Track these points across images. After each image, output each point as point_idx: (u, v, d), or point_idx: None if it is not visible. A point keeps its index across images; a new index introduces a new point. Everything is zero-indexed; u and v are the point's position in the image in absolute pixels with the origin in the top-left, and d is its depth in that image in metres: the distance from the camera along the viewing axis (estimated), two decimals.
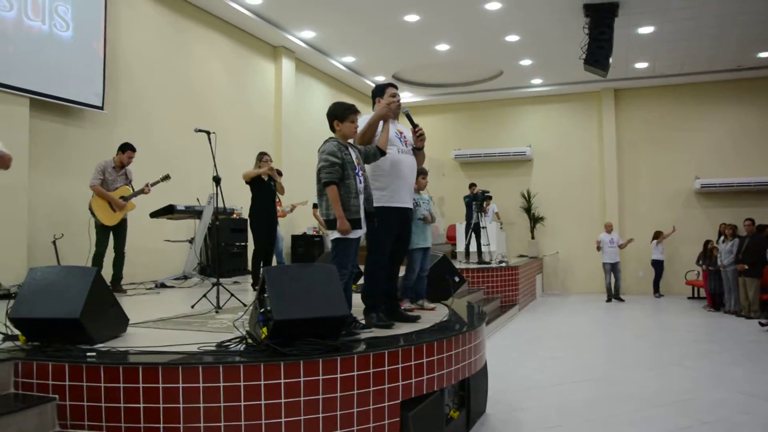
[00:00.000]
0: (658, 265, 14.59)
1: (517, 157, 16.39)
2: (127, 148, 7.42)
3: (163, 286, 8.06)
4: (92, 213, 7.16)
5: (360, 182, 4.30)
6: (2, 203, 6.86)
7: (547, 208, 16.27)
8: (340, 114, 4.37)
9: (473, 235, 12.52)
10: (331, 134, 4.48)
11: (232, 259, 9.81)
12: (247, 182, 7.80)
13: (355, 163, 4.30)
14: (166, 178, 7.80)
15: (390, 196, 4.64)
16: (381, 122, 4.64)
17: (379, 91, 4.87)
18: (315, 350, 3.42)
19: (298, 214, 11.48)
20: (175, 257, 9.16)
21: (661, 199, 15.34)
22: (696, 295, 14.26)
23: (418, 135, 4.86)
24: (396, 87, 4.92)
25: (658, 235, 14.55)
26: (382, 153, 4.55)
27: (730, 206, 14.46)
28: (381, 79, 14.91)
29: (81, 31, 7.88)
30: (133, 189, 7.51)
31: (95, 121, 8.22)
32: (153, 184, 7.63)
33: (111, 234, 7.34)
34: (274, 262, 9.27)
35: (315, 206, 11.38)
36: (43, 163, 7.52)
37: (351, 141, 4.48)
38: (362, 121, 4.59)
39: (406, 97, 15.93)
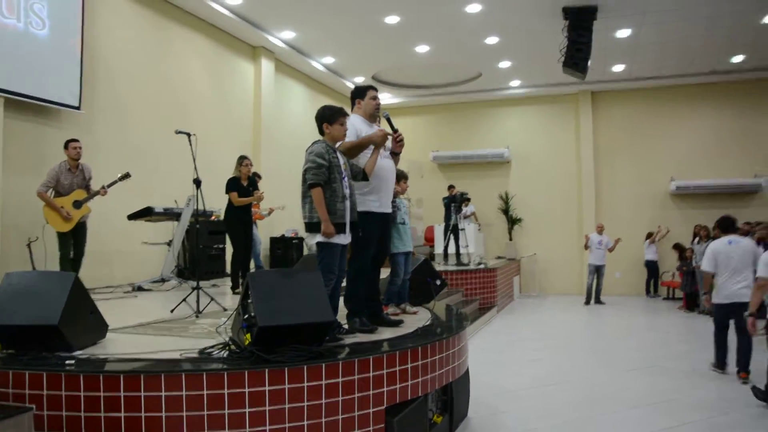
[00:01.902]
0: (651, 266, 14.76)
1: (495, 159, 16.46)
2: (69, 142, 7.19)
3: (140, 289, 7.94)
4: (46, 219, 7.02)
5: (346, 188, 4.25)
6: None
7: (524, 210, 16.36)
8: (329, 117, 4.33)
9: (452, 236, 12.54)
10: (319, 137, 4.44)
11: (210, 261, 9.72)
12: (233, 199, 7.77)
13: (342, 168, 4.26)
14: (126, 176, 7.56)
15: (371, 199, 4.62)
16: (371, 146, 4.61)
17: (360, 92, 4.84)
18: (299, 357, 3.39)
19: (277, 217, 11.40)
20: (152, 260, 9.04)
21: (638, 201, 15.50)
22: (671, 296, 14.43)
23: (398, 140, 4.83)
24: (376, 89, 4.90)
25: (650, 236, 14.69)
26: (365, 177, 4.52)
27: (704, 207, 14.62)
28: (360, 80, 14.87)
29: (57, 30, 7.74)
30: (89, 191, 7.31)
31: (72, 121, 8.09)
32: (110, 185, 7.40)
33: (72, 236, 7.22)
34: (252, 265, 9.20)
35: None
36: (18, 164, 7.38)
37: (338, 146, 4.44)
38: (349, 125, 4.56)
39: (385, 98, 15.91)
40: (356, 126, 4.65)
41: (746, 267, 6.35)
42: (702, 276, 11.17)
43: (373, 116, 4.82)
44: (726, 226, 6.69)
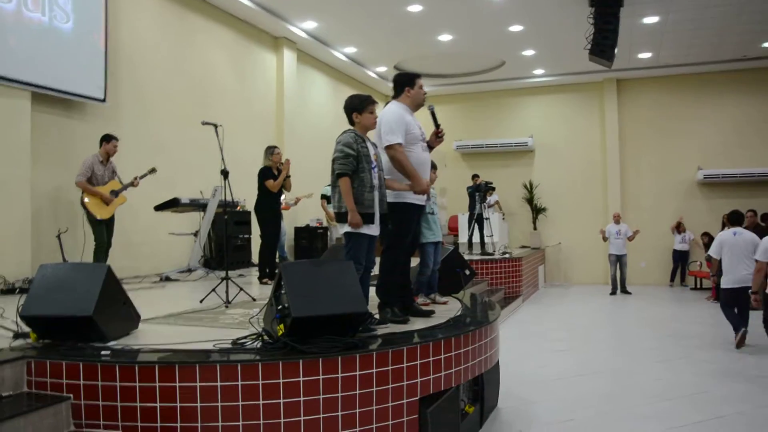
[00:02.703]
0: (677, 255, 14.64)
1: (519, 148, 16.33)
2: (110, 138, 7.35)
3: (167, 279, 8.00)
4: (85, 208, 7.12)
5: (375, 178, 4.20)
6: (5, 197, 6.78)
7: (549, 199, 16.22)
8: (358, 106, 4.28)
9: (476, 226, 12.47)
10: (344, 126, 4.40)
11: (235, 251, 9.73)
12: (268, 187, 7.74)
13: (372, 158, 4.21)
14: (153, 171, 7.76)
15: (413, 193, 4.56)
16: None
17: (409, 80, 4.67)
18: (334, 347, 3.36)
19: (302, 207, 11.41)
20: (178, 250, 9.10)
21: (664, 190, 15.30)
22: (699, 286, 14.24)
23: (440, 136, 4.75)
24: (421, 77, 4.79)
25: (679, 226, 14.51)
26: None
27: (732, 197, 14.40)
28: (383, 69, 14.79)
29: (81, 23, 7.76)
30: (121, 183, 7.46)
31: (97, 114, 8.13)
32: (141, 177, 7.62)
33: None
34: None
35: (323, 197, 11.28)
36: (45, 157, 7.43)
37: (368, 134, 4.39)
38: (395, 115, 4.49)
39: None
40: (406, 118, 4.53)
41: (748, 256, 7.28)
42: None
43: (419, 107, 4.71)
44: (734, 219, 7.95)
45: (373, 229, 4.22)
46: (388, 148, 4.38)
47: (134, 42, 8.79)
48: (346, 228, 4.14)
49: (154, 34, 9.14)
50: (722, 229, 12.68)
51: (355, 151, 4.11)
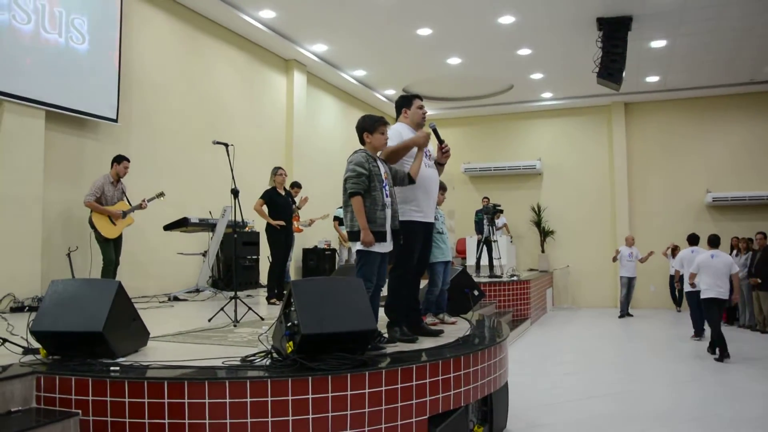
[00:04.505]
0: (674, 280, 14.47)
1: (527, 171, 16.37)
2: (122, 159, 7.46)
3: (176, 299, 8.00)
4: (93, 227, 7.19)
5: (386, 196, 4.23)
6: (17, 215, 6.84)
7: (556, 222, 16.21)
8: (369, 126, 4.33)
9: (485, 248, 12.45)
10: (354, 148, 4.44)
11: (243, 272, 9.74)
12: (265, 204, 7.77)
13: (383, 177, 4.25)
14: (161, 195, 7.84)
15: (415, 209, 4.59)
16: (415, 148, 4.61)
17: (406, 101, 4.82)
18: (344, 365, 3.36)
19: (309, 228, 11.44)
20: (186, 270, 9.12)
21: (672, 213, 15.25)
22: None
23: (444, 151, 4.83)
24: (422, 98, 4.90)
25: (674, 251, 14.39)
26: (412, 181, 4.49)
27: (741, 219, 14.37)
28: (391, 92, 14.90)
29: (97, 44, 7.89)
30: (129, 204, 7.54)
31: (109, 134, 8.21)
32: (150, 200, 7.70)
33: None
34: None
35: (335, 219, 11.29)
36: (57, 175, 7.50)
37: (379, 155, 4.43)
38: (395, 132, 4.56)
39: None
40: (403, 134, 4.64)
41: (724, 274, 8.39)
42: (744, 290, 11.18)
43: (419, 125, 4.81)
44: (692, 240, 10.12)
45: (386, 246, 4.25)
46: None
47: (146, 63, 8.90)
48: (359, 246, 4.17)
49: (167, 56, 9.25)
50: (731, 252, 12.64)
51: (367, 170, 4.15)
